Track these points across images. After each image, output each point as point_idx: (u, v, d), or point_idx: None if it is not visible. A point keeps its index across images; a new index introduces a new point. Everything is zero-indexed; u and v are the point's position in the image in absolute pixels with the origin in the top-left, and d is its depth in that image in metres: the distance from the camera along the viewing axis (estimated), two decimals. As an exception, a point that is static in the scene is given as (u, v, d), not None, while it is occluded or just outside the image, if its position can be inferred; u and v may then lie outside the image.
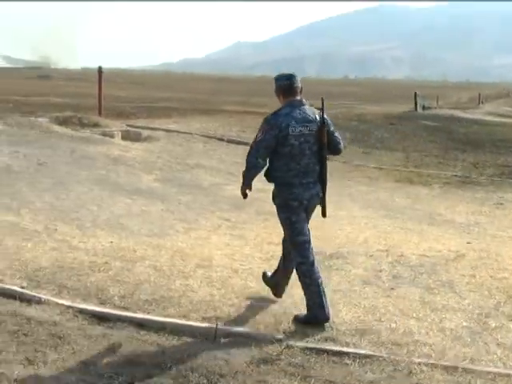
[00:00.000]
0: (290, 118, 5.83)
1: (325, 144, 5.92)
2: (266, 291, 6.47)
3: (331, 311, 5.80)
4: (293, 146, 5.82)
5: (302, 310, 5.84)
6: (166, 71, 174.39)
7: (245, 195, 6.05)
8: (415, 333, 5.55)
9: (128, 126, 19.33)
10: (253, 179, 5.98)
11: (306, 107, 5.97)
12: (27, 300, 5.84)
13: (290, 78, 5.99)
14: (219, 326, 5.35)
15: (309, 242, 5.98)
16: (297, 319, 5.83)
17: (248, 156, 5.93)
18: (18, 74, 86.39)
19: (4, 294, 5.94)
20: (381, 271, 7.41)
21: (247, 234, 8.90)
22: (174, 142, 16.81)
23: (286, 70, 6.60)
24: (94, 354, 4.86)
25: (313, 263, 5.95)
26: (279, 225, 5.77)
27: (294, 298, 6.27)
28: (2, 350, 4.83)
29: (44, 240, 7.81)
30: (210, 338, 5.22)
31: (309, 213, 6.07)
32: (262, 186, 12.34)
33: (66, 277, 6.53)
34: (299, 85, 5.99)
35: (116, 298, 6.04)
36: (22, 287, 6.15)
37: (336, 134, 6.09)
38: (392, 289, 6.79)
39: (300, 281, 5.97)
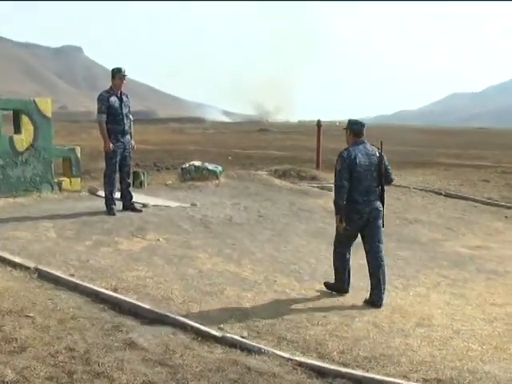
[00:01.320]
0: (356, 152, 7.97)
1: (383, 173, 8.03)
2: (490, 355, 6.18)
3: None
4: (359, 172, 7.90)
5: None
6: (381, 124, 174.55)
7: (341, 221, 8.00)
8: None
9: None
10: (343, 202, 7.88)
11: (368, 145, 8.13)
12: (247, 349, 5.94)
13: (363, 125, 8.24)
14: (441, 390, 5.15)
15: (349, 246, 8.27)
16: (326, 285, 8.24)
17: (336, 181, 8.01)
18: (238, 127, 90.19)
19: (226, 343, 6.08)
20: None
21: (468, 294, 8.55)
22: (391, 196, 16.60)
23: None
24: (314, 409, 4.85)
25: (345, 256, 8.22)
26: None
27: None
28: (224, 398, 4.94)
29: (264, 291, 7.96)
30: (432, 402, 5.04)
31: (372, 222, 8.04)
32: (483, 243, 11.91)
33: (285, 328, 6.60)
34: (364, 131, 8.19)
35: (335, 353, 6.00)
36: (243, 337, 6.27)
37: (389, 167, 8.20)
38: None
39: (334, 264, 8.28)
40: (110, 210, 11.61)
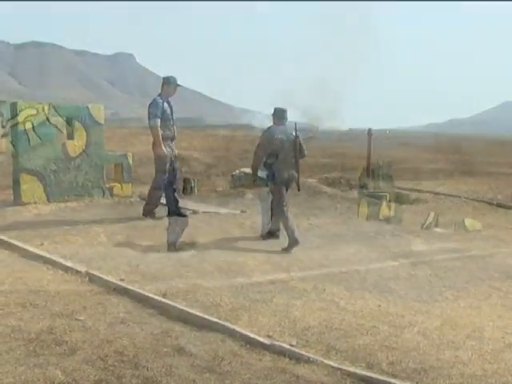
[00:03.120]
0: (276, 131, 10.49)
1: (297, 149, 10.51)
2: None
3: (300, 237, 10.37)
4: (277, 145, 10.36)
5: None
6: (432, 132, 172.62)
7: (254, 181, 10.92)
8: None
9: (395, 187, 19.27)
10: (258, 168, 10.51)
11: (287, 127, 10.61)
12: (296, 358, 5.87)
13: (284, 111, 10.67)
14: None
15: (286, 202, 10.57)
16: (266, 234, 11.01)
17: (256, 150, 10.45)
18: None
19: (274, 351, 6.04)
20: None
21: (521, 306, 8.38)
22: (442, 205, 16.46)
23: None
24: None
25: (287, 211, 10.55)
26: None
27: None
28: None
29: (312, 299, 7.91)
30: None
31: (288, 185, 10.69)
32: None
33: (334, 338, 6.53)
34: (286, 115, 10.71)
35: (384, 363, 5.91)
36: (291, 345, 6.22)
37: (303, 145, 10.75)
38: None
39: (281, 220, 10.64)
40: (150, 214, 11.79)
